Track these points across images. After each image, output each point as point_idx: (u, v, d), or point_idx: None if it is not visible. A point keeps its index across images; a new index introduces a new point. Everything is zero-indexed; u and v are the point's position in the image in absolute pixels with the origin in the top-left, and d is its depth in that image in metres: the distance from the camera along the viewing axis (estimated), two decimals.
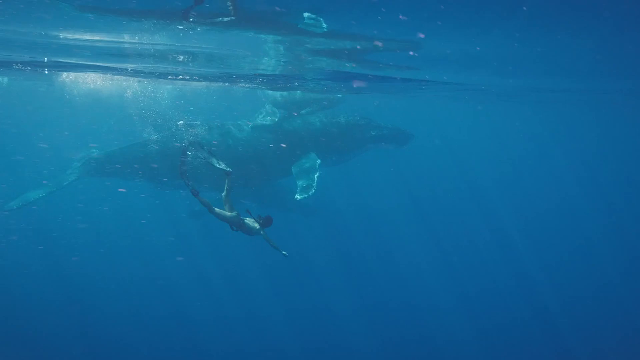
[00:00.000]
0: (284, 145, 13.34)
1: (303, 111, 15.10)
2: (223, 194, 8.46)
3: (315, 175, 12.22)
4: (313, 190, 11.76)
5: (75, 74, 16.42)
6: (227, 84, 16.94)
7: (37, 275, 19.38)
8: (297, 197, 11.68)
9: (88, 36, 9.14)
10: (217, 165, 8.59)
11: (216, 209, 8.23)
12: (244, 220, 8.27)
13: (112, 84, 17.50)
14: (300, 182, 12.07)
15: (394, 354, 17.19)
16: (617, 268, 22.09)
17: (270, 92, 17.00)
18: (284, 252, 8.07)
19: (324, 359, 16.93)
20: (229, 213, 8.23)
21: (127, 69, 14.24)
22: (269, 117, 14.41)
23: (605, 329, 17.54)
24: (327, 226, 20.79)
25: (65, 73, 16.47)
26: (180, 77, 15.17)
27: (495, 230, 25.84)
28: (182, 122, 12.71)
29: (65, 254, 21.23)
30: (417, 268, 21.98)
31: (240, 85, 17.65)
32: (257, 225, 8.23)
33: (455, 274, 21.69)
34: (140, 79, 15.82)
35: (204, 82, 16.65)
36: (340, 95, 17.74)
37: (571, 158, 36.87)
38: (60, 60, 12.83)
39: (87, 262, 20.74)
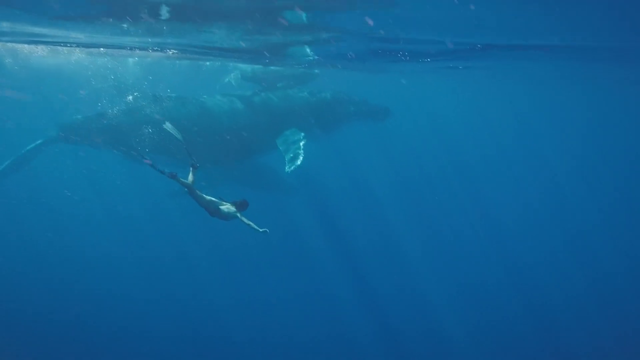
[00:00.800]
0: (264, 121, 13.13)
1: (279, 84, 14.78)
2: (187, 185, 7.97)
3: (302, 144, 12.31)
4: (301, 158, 11.84)
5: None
6: (194, 56, 15.78)
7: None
8: (287, 169, 11.69)
9: None
10: (188, 154, 8.09)
11: (197, 192, 7.92)
12: (219, 206, 8.00)
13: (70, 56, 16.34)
14: (287, 154, 12.13)
15: (384, 338, 16.75)
16: (615, 257, 21.50)
17: (242, 65, 16.31)
18: (263, 230, 7.82)
19: (312, 344, 16.53)
20: (208, 197, 7.95)
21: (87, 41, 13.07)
22: (238, 90, 13.91)
23: (604, 322, 17.02)
24: (311, 204, 20.45)
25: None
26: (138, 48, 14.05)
27: (483, 212, 25.25)
28: (155, 94, 12.65)
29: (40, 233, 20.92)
30: (405, 248, 21.51)
31: (206, 62, 16.78)
32: (232, 210, 7.98)
33: (445, 258, 21.13)
34: (87, 49, 14.65)
35: (162, 53, 15.51)
36: (316, 71, 17.04)
37: (563, 139, 36.10)
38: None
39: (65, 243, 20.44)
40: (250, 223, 7.88)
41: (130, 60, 17.09)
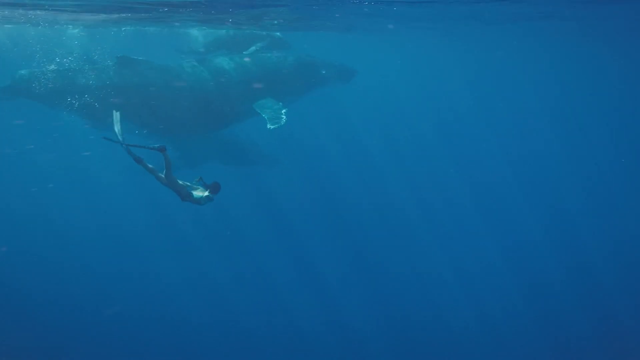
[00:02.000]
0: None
1: (253, 48, 14.72)
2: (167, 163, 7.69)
3: (283, 111, 12.03)
4: (284, 119, 11.65)
5: None
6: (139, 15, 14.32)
7: None
8: (269, 126, 11.55)
9: None
10: (125, 145, 7.54)
11: (172, 175, 7.78)
12: (190, 190, 7.88)
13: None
14: (267, 115, 11.99)
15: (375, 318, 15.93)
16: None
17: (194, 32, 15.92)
18: (206, 194, 7.79)
19: (305, 328, 15.68)
20: (181, 182, 7.85)
21: None
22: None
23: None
24: (295, 174, 19.80)
25: None
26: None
27: (478, 185, 24.46)
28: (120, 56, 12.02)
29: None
30: (393, 219, 20.53)
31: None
32: (205, 194, 7.93)
33: (439, 231, 20.08)
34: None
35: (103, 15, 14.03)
36: (278, 34, 16.50)
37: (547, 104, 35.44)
38: None
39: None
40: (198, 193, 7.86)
41: (75, 30, 16.18)
